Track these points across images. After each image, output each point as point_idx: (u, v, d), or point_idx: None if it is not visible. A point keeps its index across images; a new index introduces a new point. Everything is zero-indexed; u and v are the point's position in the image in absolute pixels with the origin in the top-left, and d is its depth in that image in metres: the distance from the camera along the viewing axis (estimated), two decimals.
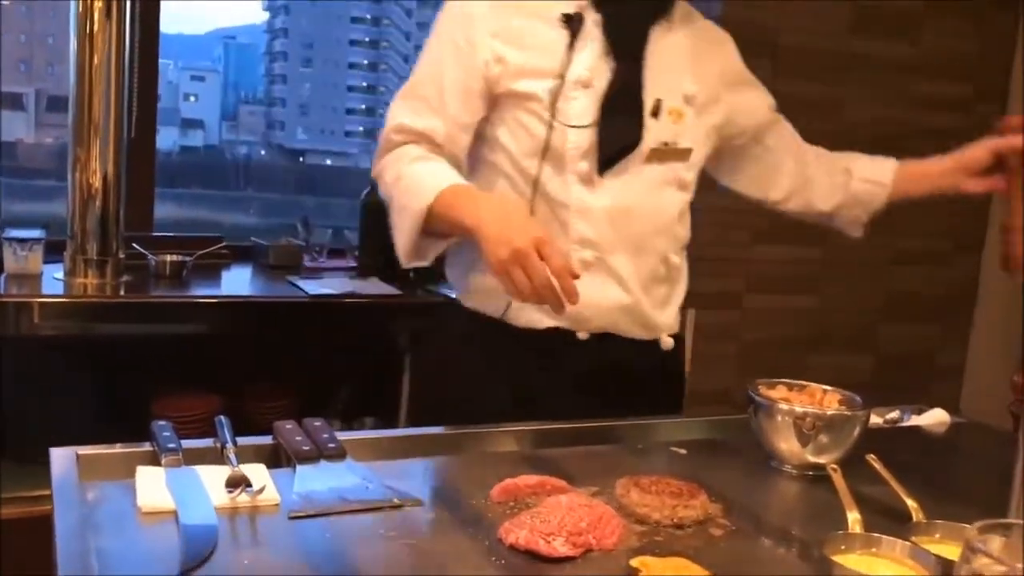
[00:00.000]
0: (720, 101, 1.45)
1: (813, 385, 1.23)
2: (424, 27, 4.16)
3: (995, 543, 0.67)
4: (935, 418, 1.49)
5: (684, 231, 1.44)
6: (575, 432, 1.25)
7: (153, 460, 1.00)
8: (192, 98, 4.12)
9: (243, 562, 0.81)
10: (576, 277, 1.16)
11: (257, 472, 0.97)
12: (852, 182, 1.53)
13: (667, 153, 1.36)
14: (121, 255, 2.09)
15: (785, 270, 2.95)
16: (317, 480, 0.98)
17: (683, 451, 1.22)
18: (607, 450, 1.22)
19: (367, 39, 4.28)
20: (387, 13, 4.22)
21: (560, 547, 0.85)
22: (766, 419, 1.16)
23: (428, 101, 1.35)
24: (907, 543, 0.86)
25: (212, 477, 0.95)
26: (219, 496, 0.91)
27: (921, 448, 1.39)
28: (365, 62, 4.27)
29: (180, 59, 4.01)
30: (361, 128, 4.29)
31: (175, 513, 0.87)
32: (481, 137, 1.38)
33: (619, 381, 1.38)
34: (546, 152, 1.32)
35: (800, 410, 1.14)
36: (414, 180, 1.31)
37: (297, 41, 4.32)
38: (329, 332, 2.24)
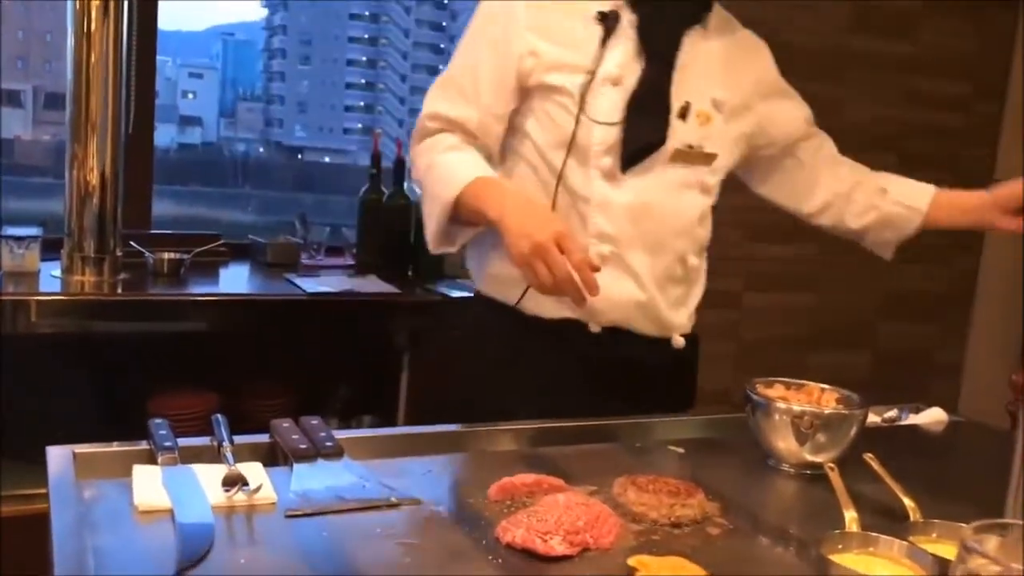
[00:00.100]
0: (752, 110, 1.46)
1: (811, 384, 1.23)
2: (423, 24, 4.16)
3: (991, 543, 0.67)
4: (933, 417, 1.49)
5: (704, 233, 1.45)
6: (572, 431, 1.25)
7: (150, 458, 0.99)
8: (190, 95, 4.11)
9: (240, 561, 0.81)
10: (596, 270, 1.20)
11: (254, 471, 0.97)
12: (886, 204, 1.53)
13: (691, 156, 1.38)
14: (118, 253, 2.08)
15: (784, 269, 2.95)
16: (314, 479, 0.97)
17: (681, 450, 1.22)
18: (604, 449, 1.22)
19: (366, 36, 4.28)
20: (386, 10, 4.22)
21: (557, 546, 0.85)
22: (764, 418, 1.16)
23: (463, 91, 1.38)
24: (904, 542, 0.86)
25: (209, 476, 0.95)
26: (216, 495, 0.91)
27: (919, 447, 1.39)
28: (364, 59, 4.27)
29: (178, 56, 4.00)
30: (359, 125, 4.29)
31: (171, 512, 0.87)
32: (510, 127, 1.41)
33: (629, 376, 1.40)
34: (572, 145, 1.34)
35: (798, 409, 1.14)
36: (445, 170, 1.35)
37: (295, 38, 4.32)
38: (327, 330, 2.24)
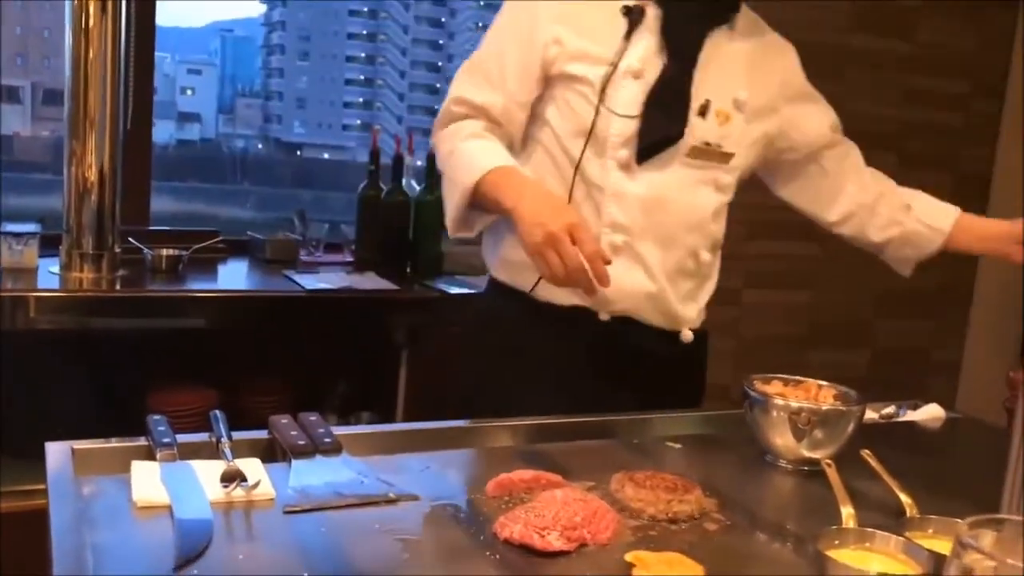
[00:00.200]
0: (777, 112, 1.47)
1: (808, 380, 1.24)
2: (421, 20, 4.15)
3: (987, 538, 0.67)
4: (930, 414, 1.49)
5: (718, 230, 1.46)
6: (570, 427, 1.26)
7: (148, 455, 1.00)
8: (189, 91, 4.11)
9: (238, 557, 0.81)
10: (608, 263, 1.22)
11: (252, 466, 0.97)
12: (910, 220, 1.53)
13: (709, 153, 1.39)
14: (117, 249, 2.08)
15: (783, 266, 2.95)
16: (312, 475, 0.98)
17: (678, 446, 1.22)
18: (602, 445, 1.22)
19: (364, 32, 4.28)
20: (385, 7, 4.22)
21: (555, 541, 0.85)
22: (761, 414, 1.16)
23: (489, 76, 1.40)
24: (900, 538, 0.86)
25: (207, 471, 0.95)
26: (214, 491, 0.91)
27: (916, 444, 1.39)
28: (362, 55, 4.27)
29: (177, 52, 4.00)
30: (358, 121, 4.29)
31: (170, 508, 0.87)
32: (532, 114, 1.43)
33: (637, 367, 1.41)
34: (590, 135, 1.36)
35: (795, 405, 1.14)
36: (466, 156, 1.37)
37: (294, 34, 4.32)
38: (325, 327, 2.24)
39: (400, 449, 1.13)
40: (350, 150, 4.20)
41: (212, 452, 1.01)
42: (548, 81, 1.40)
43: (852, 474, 1.02)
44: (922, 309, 3.21)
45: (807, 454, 1.14)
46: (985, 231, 1.51)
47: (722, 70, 1.40)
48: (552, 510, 0.89)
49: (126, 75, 2.15)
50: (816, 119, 1.53)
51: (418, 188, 2.46)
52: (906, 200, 1.54)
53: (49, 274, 2.03)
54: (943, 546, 0.85)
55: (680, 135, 1.36)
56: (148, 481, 0.92)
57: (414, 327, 2.21)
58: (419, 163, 2.49)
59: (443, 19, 4.12)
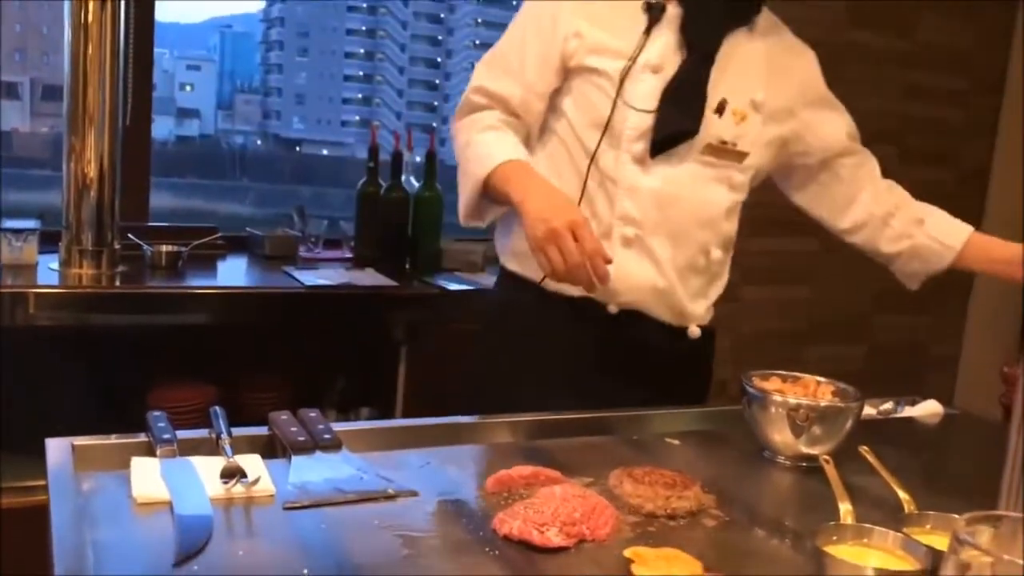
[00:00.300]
0: (794, 116, 1.47)
1: (807, 376, 1.24)
2: (420, 16, 4.15)
3: (984, 535, 0.67)
4: (928, 410, 1.49)
5: (730, 228, 1.47)
6: (569, 423, 1.26)
7: (148, 451, 1.00)
8: (188, 87, 4.11)
9: (238, 553, 0.81)
10: (608, 261, 1.23)
11: (252, 463, 0.97)
12: (921, 235, 1.52)
13: (723, 151, 1.40)
14: (116, 245, 2.08)
15: (781, 262, 2.95)
16: (312, 471, 0.98)
17: (677, 442, 1.23)
18: (601, 441, 1.22)
19: (363, 28, 4.27)
20: (384, 3, 4.21)
21: (554, 537, 0.85)
22: (760, 410, 1.16)
23: (509, 67, 1.43)
24: (898, 534, 0.86)
25: (207, 468, 0.95)
26: (214, 487, 0.92)
27: (914, 440, 1.40)
28: (361, 51, 4.26)
29: (176, 48, 4.00)
30: (357, 117, 4.29)
31: (170, 504, 0.88)
32: (550, 105, 1.45)
33: (643, 360, 1.42)
34: (606, 128, 1.37)
35: (793, 402, 1.14)
36: (481, 148, 1.39)
37: (293, 30, 4.31)
38: (325, 323, 2.24)
39: (399, 445, 1.13)
40: (349, 146, 4.20)
41: (212, 448, 1.01)
42: (567, 73, 1.41)
43: (850, 470, 1.02)
44: (920, 304, 3.20)
45: (805, 450, 1.14)
46: (997, 253, 1.49)
47: (741, 70, 1.41)
48: (551, 506, 0.89)
49: (125, 71, 2.15)
50: (833, 125, 1.53)
51: (417, 184, 2.45)
52: (920, 214, 1.53)
53: (49, 270, 2.03)
54: (941, 542, 0.85)
55: (695, 131, 1.37)
56: (148, 477, 0.92)
57: (413, 323, 2.21)
58: (418, 159, 2.49)
59: (442, 15, 4.11)
